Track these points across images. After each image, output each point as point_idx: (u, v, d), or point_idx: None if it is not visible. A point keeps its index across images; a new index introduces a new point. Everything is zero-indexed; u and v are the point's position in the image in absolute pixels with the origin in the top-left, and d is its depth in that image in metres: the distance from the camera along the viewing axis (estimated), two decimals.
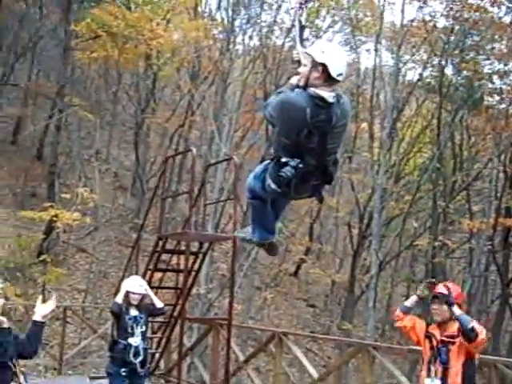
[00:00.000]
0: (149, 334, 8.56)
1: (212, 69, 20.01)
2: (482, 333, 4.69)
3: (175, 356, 11.03)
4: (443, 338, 4.84)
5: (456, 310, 4.77)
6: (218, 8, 19.92)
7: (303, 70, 3.42)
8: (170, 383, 10.79)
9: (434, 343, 4.89)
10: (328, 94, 3.41)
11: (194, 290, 14.78)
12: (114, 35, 17.39)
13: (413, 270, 24.21)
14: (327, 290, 24.24)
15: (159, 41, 17.21)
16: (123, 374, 6.91)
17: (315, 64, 3.38)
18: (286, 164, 3.42)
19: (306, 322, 22.36)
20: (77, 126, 22.11)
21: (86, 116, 20.23)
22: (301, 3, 3.95)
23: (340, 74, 3.42)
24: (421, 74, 19.34)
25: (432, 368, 4.88)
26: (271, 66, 19.54)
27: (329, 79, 3.39)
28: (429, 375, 4.89)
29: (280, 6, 19.41)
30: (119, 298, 7.12)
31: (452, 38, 17.70)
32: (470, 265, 18.64)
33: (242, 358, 10.30)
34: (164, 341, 10.50)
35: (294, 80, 3.57)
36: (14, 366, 4.26)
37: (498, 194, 17.55)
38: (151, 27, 16.98)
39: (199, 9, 20.67)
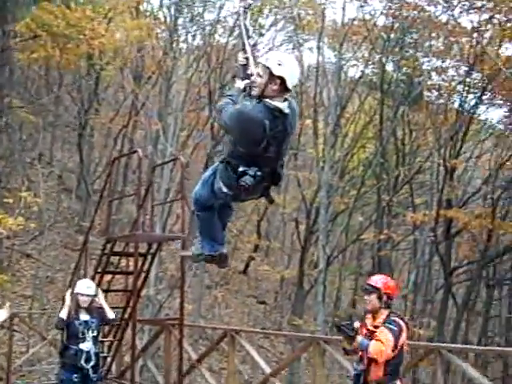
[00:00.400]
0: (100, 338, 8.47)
1: (155, 68, 19.88)
2: (381, 356, 4.94)
3: (127, 359, 10.95)
4: (369, 327, 5.14)
5: (358, 338, 5.05)
6: (161, 6, 19.79)
7: (260, 80, 3.48)
8: None
9: (364, 331, 5.17)
10: (283, 105, 3.51)
11: (143, 292, 14.73)
12: (54, 35, 17.00)
13: (360, 263, 24.72)
14: (277, 286, 24.45)
15: (101, 40, 16.92)
16: (75, 379, 6.86)
17: (273, 77, 3.44)
18: (244, 173, 3.47)
19: (257, 319, 22.51)
20: (18, 128, 21.55)
21: (27, 118, 19.77)
22: (245, 7, 4.03)
23: (294, 86, 3.57)
24: (362, 71, 19.75)
25: (359, 353, 5.19)
26: (215, 65, 19.55)
27: (284, 90, 3.49)
28: (359, 360, 5.20)
29: (223, 5, 19.48)
30: (63, 313, 7.02)
31: (392, 35, 18.14)
32: (415, 256, 19.15)
33: (194, 357, 10.33)
34: (115, 344, 10.40)
35: (240, 84, 3.67)
36: None
37: (440, 187, 18.07)
38: (92, 26, 16.69)
39: (141, 8, 20.47)
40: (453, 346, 9.67)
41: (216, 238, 3.95)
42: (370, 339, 5.02)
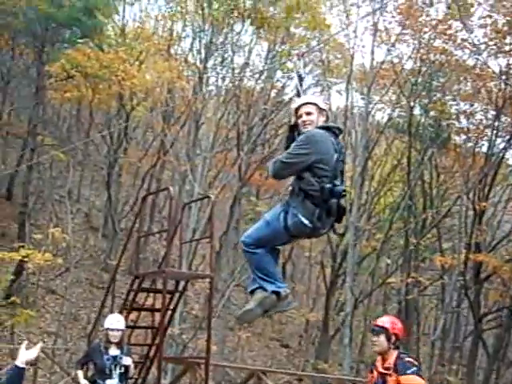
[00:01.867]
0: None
1: (185, 109, 20.18)
2: None
3: None
4: (381, 370, 4.97)
5: None
6: (191, 49, 20.19)
7: (311, 117, 3.99)
8: None
9: (375, 374, 5.03)
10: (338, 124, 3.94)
11: (168, 331, 14.63)
12: (87, 75, 17.46)
13: (385, 308, 24.29)
14: (301, 329, 24.12)
15: (133, 81, 17.36)
16: None
17: (321, 111, 4.02)
18: (331, 191, 3.75)
19: (280, 362, 22.15)
20: (49, 166, 21.94)
21: (57, 156, 20.13)
22: (298, 54, 4.41)
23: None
24: (390, 115, 19.81)
25: None
26: (243, 107, 19.78)
27: (327, 120, 4.07)
28: None
29: (252, 49, 19.77)
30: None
31: (419, 79, 18.23)
32: (443, 301, 18.79)
33: None
34: (140, 382, 10.27)
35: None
36: None
37: (468, 231, 17.83)
38: (124, 68, 17.13)
39: (172, 50, 20.94)
40: None
41: (277, 276, 3.96)
42: (383, 382, 4.88)
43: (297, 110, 4.04)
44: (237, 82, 19.31)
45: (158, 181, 22.81)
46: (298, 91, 4.26)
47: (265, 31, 18.33)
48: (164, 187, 14.25)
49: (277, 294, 3.90)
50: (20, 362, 4.02)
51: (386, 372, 4.91)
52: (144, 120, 23.11)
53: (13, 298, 15.94)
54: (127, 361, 6.93)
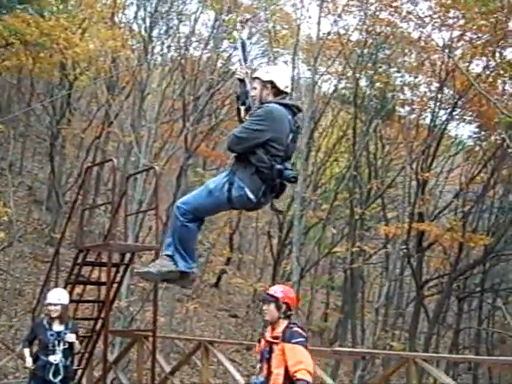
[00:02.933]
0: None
1: (129, 79, 19.78)
2: (311, 375, 4.81)
3: (98, 372, 10.76)
4: (269, 339, 5.02)
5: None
6: (136, 17, 19.74)
7: (255, 92, 3.90)
8: None
9: (263, 343, 5.09)
10: (298, 102, 3.84)
11: (115, 304, 14.52)
12: (27, 43, 16.83)
13: (332, 277, 24.78)
14: (249, 299, 24.35)
15: (75, 50, 16.83)
16: None
17: (263, 83, 3.89)
18: (283, 170, 3.70)
19: (229, 332, 22.36)
20: None
21: None
22: (241, 21, 4.27)
23: (287, 86, 3.94)
24: (336, 86, 19.94)
25: (258, 365, 5.10)
26: (189, 77, 19.52)
27: (279, 93, 3.89)
28: (259, 373, 5.06)
29: (198, 18, 19.47)
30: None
31: (365, 51, 18.36)
32: (387, 269, 19.29)
33: (167, 369, 10.19)
34: (86, 356, 10.20)
35: (243, 114, 3.93)
36: None
37: (411, 200, 18.27)
38: (66, 36, 16.58)
39: (116, 19, 20.38)
40: (427, 355, 9.68)
41: (192, 254, 3.88)
42: (270, 350, 4.93)
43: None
44: (182, 52, 19.02)
45: (103, 152, 22.38)
46: (242, 59, 4.12)
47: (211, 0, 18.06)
48: (108, 159, 13.96)
49: (184, 273, 3.84)
50: None
51: (273, 341, 4.94)
52: (88, 90, 22.53)
53: None
54: (71, 338, 6.86)
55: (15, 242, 18.09)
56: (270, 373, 4.89)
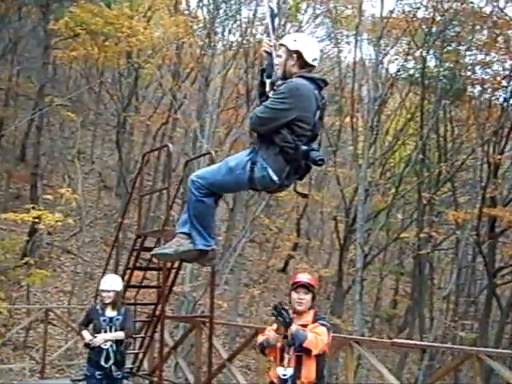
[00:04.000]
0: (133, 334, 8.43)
1: (193, 66, 19.87)
2: (317, 346, 4.66)
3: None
4: (297, 327, 4.73)
5: (292, 327, 4.64)
6: (199, 4, 19.78)
7: (279, 61, 3.56)
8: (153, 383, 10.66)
9: (289, 331, 4.75)
10: (324, 76, 3.55)
11: (178, 289, 14.70)
12: (93, 33, 17.19)
13: (401, 262, 24.23)
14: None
15: (139, 38, 17.03)
16: (98, 376, 6.80)
17: (290, 52, 3.55)
18: (310, 150, 3.47)
19: None
20: (59, 127, 21.92)
21: (68, 116, 20.05)
22: None
23: (315, 59, 3.60)
24: (403, 66, 19.27)
25: (286, 356, 4.79)
26: (253, 61, 19.40)
27: (305, 65, 3.57)
28: (282, 364, 4.80)
29: (261, 1, 19.26)
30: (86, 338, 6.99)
31: (433, 28, 17.62)
32: (457, 256, 18.63)
33: (225, 355, 10.19)
34: (147, 340, 10.38)
35: (268, 88, 3.61)
36: None
37: (483, 184, 17.49)
38: (130, 24, 16.80)
39: (179, 5, 20.52)
40: (493, 350, 9.11)
41: (211, 230, 3.65)
42: None
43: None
44: (245, 36, 18.90)
45: (170, 138, 22.66)
46: (270, 29, 3.76)
47: None
48: (164, 144, 14.04)
49: (203, 251, 3.64)
50: None
51: (303, 329, 4.73)
52: (155, 78, 22.86)
53: (27, 259, 16.12)
54: (120, 337, 6.92)
55: (85, 228, 18.64)
56: (300, 363, 4.73)
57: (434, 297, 20.42)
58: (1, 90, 23.78)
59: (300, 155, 3.47)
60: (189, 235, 3.62)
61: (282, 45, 3.58)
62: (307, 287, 4.90)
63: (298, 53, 3.54)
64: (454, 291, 18.52)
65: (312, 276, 5.19)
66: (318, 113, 3.54)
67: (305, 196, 3.99)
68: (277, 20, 4.22)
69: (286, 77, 3.55)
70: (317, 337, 4.68)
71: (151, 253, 4.12)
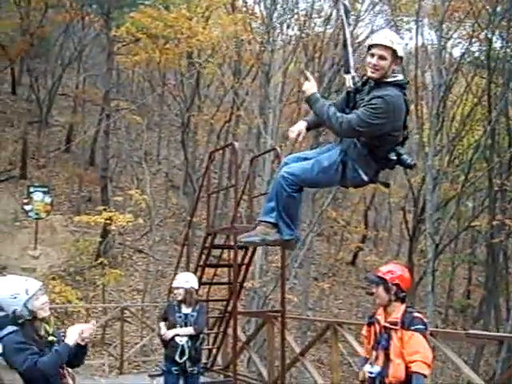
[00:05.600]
0: (206, 330, 8.61)
1: (254, 62, 19.95)
2: (430, 366, 4.45)
3: None
4: (385, 324, 4.59)
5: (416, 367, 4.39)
6: (256, 1, 19.82)
7: (384, 63, 3.55)
8: (228, 378, 10.81)
9: (378, 328, 4.66)
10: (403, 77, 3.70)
11: (248, 284, 14.84)
12: (153, 37, 17.55)
13: (473, 251, 23.57)
14: None
15: (199, 38, 17.26)
16: (175, 372, 6.96)
17: (396, 58, 3.58)
18: (398, 154, 3.61)
19: (367, 310, 22.09)
20: (126, 130, 22.50)
21: (133, 119, 20.56)
22: None
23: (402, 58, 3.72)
24: (467, 49, 18.68)
25: (374, 353, 4.66)
26: (313, 54, 19.30)
27: (399, 62, 3.66)
28: (369, 361, 4.68)
29: None
30: (163, 332, 7.14)
31: (498, 8, 16.99)
32: None
33: (297, 350, 10.21)
34: (220, 336, 10.53)
35: (348, 83, 3.71)
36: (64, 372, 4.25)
37: None
38: (189, 25, 17.05)
39: (237, 3, 20.63)
40: None
41: (297, 221, 3.88)
42: (388, 337, 4.53)
43: (370, 46, 3.63)
44: (304, 29, 18.82)
45: (233, 136, 22.86)
46: (345, 24, 3.79)
47: None
48: (229, 143, 14.17)
49: (288, 240, 3.83)
50: (70, 340, 4.08)
51: (391, 327, 4.55)
52: (216, 76, 23.10)
53: (101, 259, 16.68)
54: (190, 332, 7.05)
55: (155, 227, 19.08)
56: (388, 361, 4.54)
57: (510, 286, 19.75)
58: (69, 98, 24.66)
59: (391, 164, 3.65)
60: (275, 225, 3.80)
61: (387, 47, 3.54)
62: (373, 280, 4.76)
63: (401, 58, 3.64)
64: None
65: (395, 268, 4.93)
66: (406, 116, 3.65)
67: (387, 185, 4.04)
68: (350, 15, 4.15)
69: (378, 78, 3.59)
70: (425, 361, 4.41)
71: (238, 238, 4.29)
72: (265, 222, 3.83)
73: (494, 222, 17.02)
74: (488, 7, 17.06)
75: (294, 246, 4.00)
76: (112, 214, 15.93)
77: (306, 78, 3.72)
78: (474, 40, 18.48)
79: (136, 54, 17.92)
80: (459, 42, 19.46)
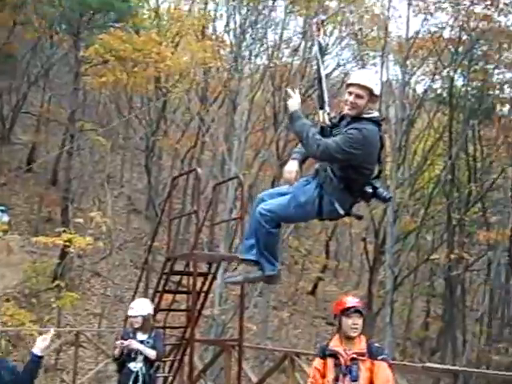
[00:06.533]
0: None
1: (221, 89, 20.08)
2: None
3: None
4: (353, 356, 4.58)
5: None
6: (225, 30, 20.03)
7: (361, 102, 3.64)
8: None
9: (342, 360, 4.61)
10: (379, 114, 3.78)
11: (207, 312, 14.70)
12: (122, 59, 17.53)
13: (431, 284, 23.87)
14: None
15: (167, 63, 17.32)
16: None
17: (372, 96, 3.68)
18: (374, 188, 3.68)
19: (326, 340, 22.04)
20: (89, 151, 22.28)
21: (98, 140, 20.39)
22: (317, 23, 3.97)
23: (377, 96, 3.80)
24: (430, 86, 19.20)
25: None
26: (280, 84, 19.53)
27: (374, 100, 3.76)
28: None
29: (287, 25, 19.47)
30: (117, 352, 6.99)
31: (460, 48, 17.56)
32: (489, 277, 18.32)
33: (255, 379, 10.12)
34: (176, 364, 10.36)
35: (322, 116, 3.74)
36: None
37: None
38: (159, 50, 17.11)
39: (206, 31, 20.82)
40: None
41: (277, 255, 3.92)
42: (357, 368, 4.52)
43: (348, 84, 3.72)
44: (272, 59, 19.06)
45: (198, 161, 22.84)
46: (319, 61, 3.82)
47: (297, 5, 17.97)
48: (192, 168, 14.18)
49: (270, 275, 3.87)
50: (36, 349, 4.05)
51: (359, 358, 4.54)
52: (183, 102, 23.15)
53: (58, 281, 16.33)
54: (151, 355, 6.92)
55: (115, 251, 18.81)
56: None
57: (466, 319, 20.04)
58: (33, 116, 24.35)
59: (366, 196, 3.71)
60: (257, 262, 3.84)
61: (363, 86, 3.63)
62: (360, 311, 4.73)
63: (377, 96, 3.73)
64: (487, 313, 18.16)
65: (358, 299, 5.01)
66: (382, 151, 3.74)
67: (360, 218, 4.08)
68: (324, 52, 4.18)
69: (353, 116, 3.67)
70: None
71: (223, 280, 4.38)
72: (247, 260, 3.88)
73: (452, 256, 17.34)
74: (450, 47, 17.64)
75: (276, 281, 4.00)
76: (72, 235, 15.64)
77: (289, 96, 3.74)
78: (436, 77, 19.07)
79: (103, 75, 17.85)
80: (422, 79, 20.03)
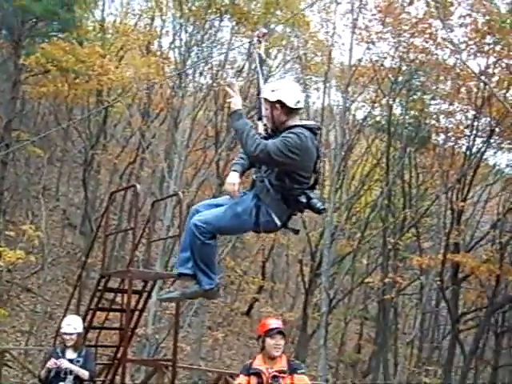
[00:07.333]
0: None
1: (163, 106, 19.96)
2: None
3: None
4: (275, 374, 4.75)
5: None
6: (171, 47, 19.96)
7: (266, 113, 3.65)
8: None
9: (264, 379, 4.76)
10: (315, 122, 3.78)
11: (141, 331, 14.41)
12: (63, 70, 17.21)
13: (366, 307, 24.24)
14: None
15: (110, 77, 17.11)
16: None
17: (271, 104, 3.61)
18: (309, 198, 3.64)
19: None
20: (24, 162, 21.66)
21: (34, 152, 19.85)
22: (258, 36, 3.99)
23: (298, 102, 3.65)
24: (369, 113, 19.72)
25: None
26: (222, 103, 19.60)
27: (291, 111, 3.62)
28: None
29: (232, 45, 19.56)
30: (43, 373, 6.76)
31: (399, 78, 18.13)
32: (421, 301, 18.75)
33: None
34: (107, 383, 10.09)
35: (260, 127, 3.72)
36: None
37: (447, 231, 17.78)
38: (102, 63, 16.89)
39: (152, 47, 20.71)
40: None
41: (215, 268, 3.81)
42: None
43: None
44: (215, 79, 19.12)
45: (137, 178, 22.55)
46: (259, 74, 3.85)
47: (244, 27, 18.14)
48: (131, 184, 13.99)
49: (209, 289, 3.78)
50: None
51: (280, 375, 4.73)
52: (124, 116, 22.86)
53: None
54: (84, 375, 6.71)
55: (47, 266, 18.25)
56: None
57: (398, 342, 20.44)
58: None
59: (301, 206, 3.67)
60: (193, 276, 3.73)
61: (263, 99, 3.64)
62: (283, 333, 4.90)
63: (280, 102, 3.59)
64: (418, 336, 18.56)
65: (281, 321, 5.18)
66: (318, 161, 3.71)
67: (296, 232, 4.07)
68: (265, 66, 4.24)
69: (277, 127, 3.65)
70: None
71: (157, 297, 4.23)
72: (183, 274, 3.77)
73: (386, 280, 17.67)
74: (390, 76, 18.17)
75: (216, 295, 3.90)
76: (1, 249, 15.09)
77: (230, 95, 3.70)
78: (376, 105, 19.56)
79: (44, 85, 17.46)
80: (363, 106, 20.53)
